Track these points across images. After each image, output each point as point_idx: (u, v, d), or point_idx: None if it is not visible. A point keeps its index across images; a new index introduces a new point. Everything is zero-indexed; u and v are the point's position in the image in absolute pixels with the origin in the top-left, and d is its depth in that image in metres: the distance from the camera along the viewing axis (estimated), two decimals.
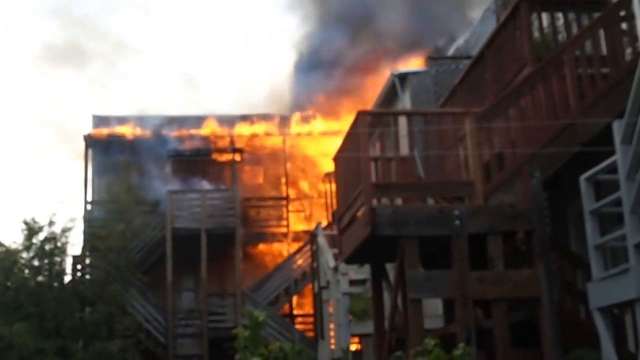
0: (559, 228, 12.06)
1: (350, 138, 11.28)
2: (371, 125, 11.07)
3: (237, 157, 31.90)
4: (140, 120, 32.72)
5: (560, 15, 12.50)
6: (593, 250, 8.92)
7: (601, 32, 10.83)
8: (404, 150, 11.56)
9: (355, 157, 10.91)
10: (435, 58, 19.85)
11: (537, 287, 10.20)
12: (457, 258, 10.20)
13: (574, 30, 12.03)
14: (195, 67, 53.47)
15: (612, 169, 8.53)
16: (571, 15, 12.20)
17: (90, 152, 32.06)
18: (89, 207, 31.09)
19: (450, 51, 20.78)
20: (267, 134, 33.23)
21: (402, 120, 11.95)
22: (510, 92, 11.40)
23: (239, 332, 6.55)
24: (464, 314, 10.07)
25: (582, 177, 9.08)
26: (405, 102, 20.03)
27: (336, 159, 12.49)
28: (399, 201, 11.94)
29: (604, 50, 10.85)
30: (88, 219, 29.74)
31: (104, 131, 32.43)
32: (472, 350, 9.43)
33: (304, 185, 33.67)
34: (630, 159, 8.03)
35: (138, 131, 32.17)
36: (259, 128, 33.29)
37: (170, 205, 29.16)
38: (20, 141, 54.41)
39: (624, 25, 10.80)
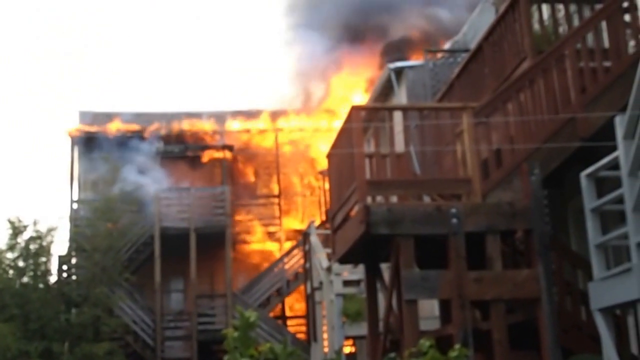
0: (559, 227, 12.03)
1: (344, 134, 11.22)
2: (366, 120, 11.00)
3: (228, 155, 31.85)
4: (128, 117, 32.64)
5: (561, 6, 12.47)
6: (594, 249, 8.88)
7: (603, 24, 10.82)
8: (400, 146, 11.50)
9: (349, 154, 10.85)
10: (432, 51, 19.80)
11: (536, 288, 10.15)
12: (454, 257, 10.13)
13: (576, 22, 11.99)
14: (186, 62, 53.42)
15: (614, 165, 8.49)
16: (572, 7, 12.17)
17: (76, 149, 31.98)
18: (74, 205, 31.00)
19: (448, 44, 20.72)
20: (259, 131, 33.17)
21: (398, 116, 11.91)
22: (509, 86, 11.37)
23: (229, 333, 6.49)
24: (461, 315, 10.01)
25: (583, 174, 9.05)
26: (401, 96, 19.98)
27: (329, 156, 12.42)
28: (394, 199, 11.88)
29: (606, 43, 10.84)
30: (74, 218, 29.68)
31: (91, 128, 32.33)
32: (470, 352, 9.39)
33: (297, 183, 33.61)
34: (633, 154, 8.00)
35: (126, 128, 32.07)
36: (250, 125, 33.20)
37: (158, 203, 29.12)
38: (4, 138, 54.25)
39: (626, 17, 10.79)
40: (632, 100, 8.01)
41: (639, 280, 7.97)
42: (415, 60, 20.55)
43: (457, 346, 7.47)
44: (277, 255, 31.30)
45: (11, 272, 26.15)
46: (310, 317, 22.95)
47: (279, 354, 6.53)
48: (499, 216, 10.35)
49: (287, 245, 31.24)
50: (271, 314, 30.09)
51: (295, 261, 29.44)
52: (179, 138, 32.39)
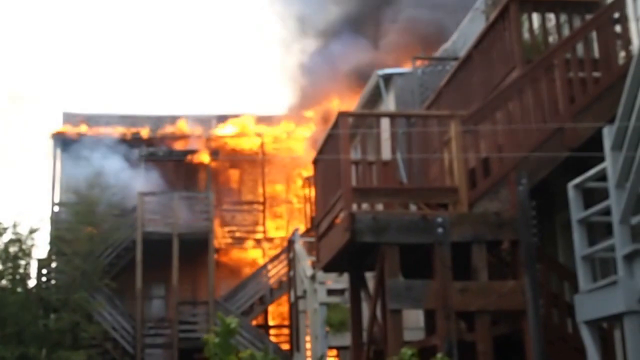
0: (547, 239, 12.09)
1: (331, 140, 11.25)
2: (353, 127, 11.02)
3: (213, 159, 31.79)
4: (112, 119, 32.54)
5: (551, 16, 12.54)
6: (580, 260, 8.94)
7: (594, 35, 10.89)
8: (387, 154, 11.53)
9: (335, 160, 10.87)
10: (421, 58, 19.86)
11: (522, 299, 10.19)
12: (439, 267, 10.17)
13: (566, 32, 12.06)
14: (172, 65, 53.37)
15: (602, 176, 8.55)
16: (563, 17, 12.24)
17: (58, 151, 31.85)
18: (56, 208, 30.86)
19: (437, 52, 20.80)
20: (244, 135, 33.12)
21: (385, 123, 11.94)
22: (497, 95, 11.42)
23: (209, 338, 6.50)
24: (446, 326, 10.04)
25: (571, 185, 9.10)
26: (389, 103, 20.03)
27: (316, 162, 12.45)
28: (379, 207, 11.91)
29: (596, 53, 10.91)
30: (55, 221, 29.52)
31: (74, 130, 32.21)
32: None
33: (282, 189, 33.57)
34: (621, 166, 8.05)
35: (110, 130, 31.98)
36: (236, 129, 33.16)
37: (141, 207, 29.01)
38: None
39: (617, 28, 10.87)
40: (621, 111, 8.08)
41: (625, 293, 8.01)
42: (404, 68, 20.60)
43: (439, 355, 7.50)
44: (261, 262, 31.25)
45: None
46: (293, 326, 22.95)
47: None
48: (485, 226, 10.39)
49: (271, 252, 31.20)
50: (254, 323, 30.02)
51: (279, 269, 29.39)
52: (163, 142, 32.31)
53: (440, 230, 10.20)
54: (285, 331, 29.41)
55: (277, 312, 32.04)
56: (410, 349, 7.33)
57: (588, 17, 11.65)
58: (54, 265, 27.86)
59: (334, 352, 22.24)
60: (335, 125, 10.82)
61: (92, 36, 56.28)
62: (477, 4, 18.38)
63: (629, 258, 8.05)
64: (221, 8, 52.45)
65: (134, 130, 32.23)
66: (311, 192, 28.59)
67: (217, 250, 30.51)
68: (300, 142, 32.30)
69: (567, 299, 10.97)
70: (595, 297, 8.63)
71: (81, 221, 27.91)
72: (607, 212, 8.52)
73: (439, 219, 10.25)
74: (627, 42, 10.67)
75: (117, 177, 30.49)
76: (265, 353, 6.90)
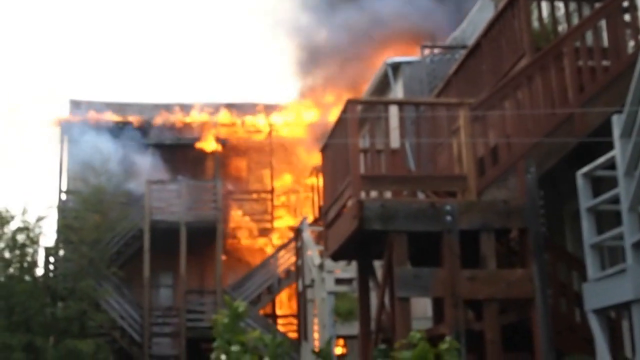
0: (555, 228, 12.13)
1: (339, 127, 11.30)
2: (361, 114, 11.08)
3: (221, 148, 31.85)
4: (119, 107, 32.60)
5: (561, 4, 12.57)
6: (589, 249, 8.98)
7: (603, 24, 10.92)
8: (395, 141, 11.58)
9: (343, 148, 10.92)
10: (429, 47, 19.88)
11: (530, 288, 10.23)
12: (447, 255, 10.22)
13: (575, 20, 12.09)
14: (181, 53, 53.42)
15: (611, 164, 8.59)
16: (572, 5, 12.26)
17: (65, 138, 31.94)
18: (63, 196, 30.98)
19: (446, 41, 20.81)
20: (252, 124, 33.20)
21: (394, 111, 11.98)
22: (506, 83, 11.45)
23: (218, 318, 6.60)
24: (454, 314, 10.09)
25: (579, 173, 9.15)
26: (397, 92, 20.06)
27: (324, 150, 12.50)
28: (388, 195, 11.96)
29: (605, 42, 10.94)
30: (62, 209, 29.65)
31: (81, 117, 32.30)
32: (462, 352, 9.47)
33: (290, 178, 33.64)
34: (630, 154, 8.10)
35: (117, 118, 32.06)
36: (244, 118, 33.21)
37: (149, 196, 29.10)
38: None
39: (626, 17, 10.89)
40: (630, 98, 8.11)
41: (634, 281, 8.06)
42: (412, 56, 20.63)
43: (447, 338, 7.55)
44: (269, 251, 31.33)
45: None
46: (301, 316, 23.04)
47: (268, 343, 6.63)
48: (493, 214, 10.43)
49: (280, 242, 31.29)
50: (261, 312, 30.14)
51: (287, 258, 29.48)
52: (171, 130, 32.39)
53: (448, 218, 10.25)
54: (293, 320, 29.52)
55: (284, 301, 32.15)
56: (419, 332, 7.40)
57: (597, 5, 11.67)
58: (61, 253, 27.95)
59: (341, 341, 22.35)
60: (344, 112, 10.87)
61: (100, 23, 56.36)
62: None
63: (638, 246, 8.10)
64: None
65: (141, 118, 32.30)
66: (319, 181, 28.69)
67: (225, 239, 30.59)
68: (308, 130, 32.28)
69: (575, 288, 11.03)
70: (604, 285, 8.69)
71: (88, 209, 28.02)
72: (615, 200, 8.56)
73: (448, 207, 10.30)
74: (636, 30, 10.70)
75: (125, 165, 30.60)
76: (273, 336, 7.00)
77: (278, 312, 32.12)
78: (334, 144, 11.57)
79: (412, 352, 7.19)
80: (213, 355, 6.74)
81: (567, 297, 11.22)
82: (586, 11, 12.09)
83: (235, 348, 6.53)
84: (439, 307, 11.24)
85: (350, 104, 10.75)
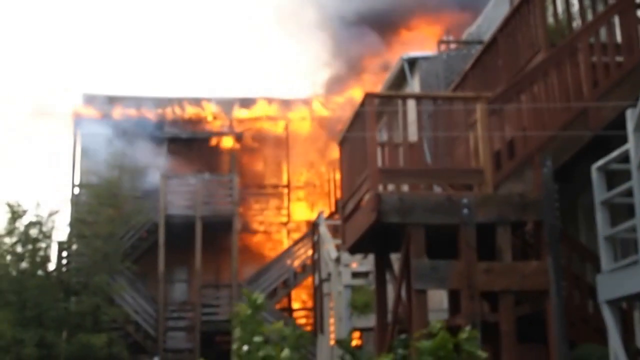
0: (569, 221, 12.40)
1: (357, 121, 11.59)
2: (379, 108, 11.39)
3: (237, 142, 32.10)
4: (134, 101, 32.83)
5: (575, 1, 12.86)
6: (603, 241, 9.27)
7: (616, 20, 11.22)
8: (412, 135, 11.89)
9: (361, 142, 11.21)
10: (446, 42, 20.15)
11: (545, 280, 10.47)
12: (464, 248, 10.49)
13: (589, 17, 12.38)
14: (196, 48, 53.68)
15: (625, 158, 8.89)
16: (587, 2, 12.54)
17: (79, 132, 32.21)
18: (76, 190, 31.24)
19: (462, 36, 21.09)
20: (269, 118, 33.40)
21: (411, 105, 12.30)
22: (522, 78, 11.76)
23: (241, 308, 6.87)
24: (470, 306, 10.35)
25: (594, 166, 9.44)
26: (414, 87, 20.28)
27: (342, 143, 12.77)
28: (405, 189, 12.27)
29: (619, 38, 11.24)
30: (75, 203, 29.89)
31: (95, 111, 32.59)
32: (478, 342, 9.78)
33: (307, 172, 33.84)
34: None
35: (132, 112, 32.29)
36: (260, 112, 33.44)
37: (164, 190, 29.29)
38: (5, 119, 54.57)
39: (639, 13, 11.19)
40: None
41: None
42: (428, 51, 20.89)
43: (467, 328, 7.83)
44: (285, 246, 31.57)
45: (9, 257, 26.15)
46: (317, 309, 23.37)
47: (288, 335, 6.94)
48: (509, 207, 10.70)
49: (295, 236, 31.53)
50: (277, 306, 30.41)
51: (302, 252, 29.70)
52: (186, 124, 32.61)
53: (465, 211, 10.52)
54: (309, 314, 29.81)
55: (300, 295, 32.43)
56: (439, 322, 7.70)
57: (611, 1, 11.95)
58: (74, 247, 28.09)
59: (357, 333, 22.69)
60: (362, 105, 11.16)
61: (114, 17, 56.71)
62: None
63: None
64: None
65: (156, 112, 32.53)
66: (335, 175, 28.97)
67: (241, 234, 30.80)
68: (325, 125, 32.52)
69: (589, 281, 11.34)
70: (617, 276, 8.98)
71: (102, 203, 28.09)
72: (629, 193, 8.87)
73: (464, 200, 10.57)
74: None
75: (139, 159, 30.84)
76: (293, 328, 7.33)
77: (294, 305, 32.40)
78: (352, 137, 11.86)
79: (432, 342, 7.47)
80: (234, 346, 7.02)
81: (580, 289, 11.51)
82: (600, 7, 12.37)
83: (257, 339, 6.81)
84: (456, 299, 11.52)
85: (368, 97, 11.03)
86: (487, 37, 15.94)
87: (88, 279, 26.50)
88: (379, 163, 11.18)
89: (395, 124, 11.43)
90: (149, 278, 29.36)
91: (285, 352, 7.06)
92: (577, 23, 12.59)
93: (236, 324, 7.21)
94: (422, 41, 23.09)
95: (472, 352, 7.57)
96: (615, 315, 9.23)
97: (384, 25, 29.12)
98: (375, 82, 25.25)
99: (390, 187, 11.67)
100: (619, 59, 10.94)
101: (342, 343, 10.32)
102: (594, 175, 9.47)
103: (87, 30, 55.07)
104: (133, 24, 55.86)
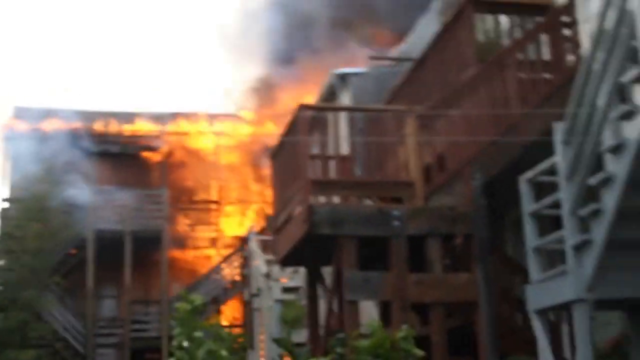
0: (497, 234, 12.45)
1: (290, 134, 11.50)
2: (311, 121, 11.31)
3: (167, 157, 31.80)
4: (65, 115, 32.33)
5: (504, 18, 12.94)
6: (532, 252, 9.29)
7: (544, 38, 11.31)
8: (344, 149, 11.83)
9: (293, 154, 11.12)
10: (377, 58, 20.19)
11: (474, 292, 10.54)
12: (395, 260, 10.48)
13: (518, 34, 12.47)
14: (127, 62, 53.20)
15: (552, 170, 8.93)
16: (515, 20, 12.65)
17: (9, 145, 31.57)
18: (5, 204, 30.58)
19: (392, 53, 21.15)
20: (199, 134, 33.21)
21: (343, 119, 12.25)
22: (453, 92, 11.78)
23: (181, 307, 6.82)
24: (402, 318, 10.33)
25: (523, 178, 9.46)
26: (345, 102, 20.28)
27: (273, 157, 12.68)
28: (336, 202, 12.18)
29: (546, 55, 11.33)
30: (4, 218, 29.25)
31: (25, 124, 31.95)
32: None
33: (237, 188, 33.67)
34: (571, 159, 8.45)
35: (62, 125, 31.78)
36: (191, 127, 33.24)
37: (93, 204, 28.86)
38: None
39: (566, 32, 11.31)
40: (571, 106, 8.47)
41: (575, 282, 8.38)
42: (359, 67, 20.91)
43: (404, 326, 7.84)
44: (215, 261, 31.30)
45: None
46: (247, 325, 23.13)
47: (224, 337, 6.89)
48: (440, 220, 10.74)
49: (226, 252, 31.29)
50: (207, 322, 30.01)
51: (233, 268, 29.50)
52: (117, 138, 32.23)
53: (396, 223, 10.52)
54: (238, 331, 29.49)
55: (230, 312, 32.11)
56: (376, 321, 7.67)
57: (539, 20, 12.07)
58: (1, 263, 27.57)
59: None
60: (295, 118, 11.08)
61: (45, 30, 55.86)
62: (433, 6, 18.76)
63: (578, 248, 8.43)
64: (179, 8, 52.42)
65: (87, 126, 32.07)
66: (265, 191, 28.83)
67: (171, 249, 30.48)
68: (254, 140, 32.43)
69: (517, 293, 11.35)
70: (546, 287, 8.99)
71: (30, 217, 27.63)
72: (556, 205, 8.90)
73: (396, 212, 10.58)
74: (575, 44, 11.09)
75: (69, 173, 30.29)
76: (229, 332, 7.30)
77: (224, 322, 32.06)
78: (284, 150, 11.77)
79: (370, 341, 7.47)
80: (175, 342, 6.97)
81: (509, 302, 11.55)
82: (528, 25, 12.48)
83: (198, 334, 6.81)
84: (387, 311, 11.48)
85: (301, 109, 10.97)
86: (417, 54, 15.97)
87: (16, 294, 25.88)
88: (311, 175, 11.08)
89: (328, 136, 11.35)
90: (78, 294, 28.89)
91: (224, 352, 7.02)
92: (506, 40, 12.66)
93: (176, 321, 7.11)
94: (355, 57, 23.07)
95: (408, 350, 7.55)
96: (545, 324, 9.24)
97: (320, 41, 29.16)
98: (309, 97, 25.18)
99: (322, 199, 11.59)
100: (547, 75, 11.01)
101: (281, 342, 10.25)
102: (523, 187, 9.49)
103: (21, 43, 54.08)
104: (67, 38, 55.07)
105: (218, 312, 31.18)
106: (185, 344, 6.79)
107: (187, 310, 6.75)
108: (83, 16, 54.12)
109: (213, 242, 32.36)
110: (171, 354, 7.39)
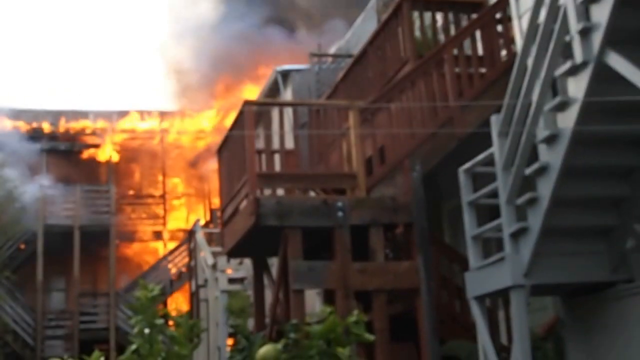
0: (435, 224, 12.46)
1: (236, 128, 11.37)
2: (257, 117, 11.17)
3: (114, 154, 31.45)
4: (13, 113, 31.76)
5: (439, 17, 12.94)
6: (470, 240, 9.28)
7: (478, 34, 11.34)
8: (289, 143, 11.72)
9: (239, 149, 10.99)
10: (317, 55, 20.13)
11: (415, 279, 10.52)
12: (339, 249, 10.42)
13: (454, 31, 12.48)
14: (74, 59, 52.37)
15: (489, 161, 8.92)
16: (451, 16, 12.65)
17: None
18: None
19: (331, 50, 21.11)
20: (145, 131, 32.91)
21: (287, 114, 12.12)
22: (392, 87, 11.74)
23: (141, 295, 6.70)
24: (345, 305, 10.27)
25: (461, 169, 9.45)
26: (287, 98, 20.24)
27: (220, 151, 12.53)
28: (281, 194, 12.07)
29: (481, 50, 11.36)
30: None
31: None
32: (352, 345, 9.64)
33: (182, 183, 33.46)
34: (507, 150, 8.44)
35: (9, 123, 31.25)
36: (137, 124, 32.93)
37: (42, 200, 28.51)
38: None
39: (499, 28, 11.35)
40: (506, 100, 8.46)
41: (512, 269, 8.39)
42: (301, 64, 20.85)
43: (355, 312, 7.77)
44: (161, 254, 31.05)
45: None
46: (193, 315, 22.88)
47: (181, 322, 6.80)
48: (382, 210, 10.69)
49: (172, 245, 31.05)
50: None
51: (179, 260, 29.31)
52: (65, 136, 31.78)
53: (340, 214, 10.45)
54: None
55: (176, 303, 31.83)
56: (329, 307, 7.60)
57: (473, 16, 12.09)
58: None
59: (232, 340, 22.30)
60: (240, 113, 10.94)
61: None
62: (370, 4, 18.73)
63: (515, 236, 8.44)
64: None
65: (35, 124, 31.58)
66: (210, 185, 28.61)
67: (118, 243, 30.20)
68: (200, 137, 32.21)
69: (455, 281, 11.37)
70: (485, 273, 8.99)
71: None
72: (494, 195, 8.89)
73: (339, 204, 10.51)
74: (508, 40, 11.14)
75: (18, 170, 29.75)
76: (186, 316, 7.23)
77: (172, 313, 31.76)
78: (231, 144, 11.62)
79: (323, 326, 7.39)
80: (136, 329, 6.85)
81: (448, 289, 11.56)
82: (464, 22, 12.49)
83: (159, 321, 6.69)
84: (331, 299, 11.40)
85: (246, 104, 10.84)
86: (356, 50, 15.91)
87: None
88: (257, 169, 10.95)
89: (272, 131, 11.22)
90: (28, 287, 28.48)
91: (182, 338, 6.93)
92: (443, 37, 12.65)
93: (134, 309, 6.97)
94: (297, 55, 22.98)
95: (359, 334, 7.50)
96: (483, 310, 9.24)
97: (266, 37, 29.00)
98: (253, 94, 25.04)
99: (268, 192, 11.46)
100: (482, 70, 11.03)
101: (238, 327, 10.14)
102: (461, 177, 9.47)
103: None
104: (12, 35, 53.91)
105: (164, 303, 30.89)
106: (147, 330, 6.64)
107: (148, 298, 6.58)
108: (28, 14, 53.00)
109: (159, 235, 32.03)
110: (130, 343, 7.24)
